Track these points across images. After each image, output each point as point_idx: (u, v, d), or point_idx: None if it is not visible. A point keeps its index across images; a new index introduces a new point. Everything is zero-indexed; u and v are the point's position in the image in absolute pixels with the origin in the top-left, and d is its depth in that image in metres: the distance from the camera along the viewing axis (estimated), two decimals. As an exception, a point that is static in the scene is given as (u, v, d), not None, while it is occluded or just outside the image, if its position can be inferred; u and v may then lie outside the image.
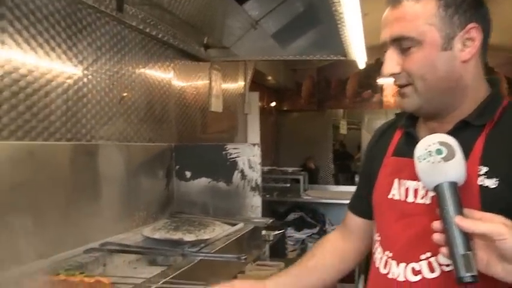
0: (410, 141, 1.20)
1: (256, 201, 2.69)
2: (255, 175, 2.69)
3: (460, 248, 0.94)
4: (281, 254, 3.42)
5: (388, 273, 1.20)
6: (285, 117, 8.34)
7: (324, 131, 8.11)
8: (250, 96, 4.42)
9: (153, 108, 2.76)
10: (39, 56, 1.89)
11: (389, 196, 1.24)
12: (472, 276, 0.92)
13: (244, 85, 4.39)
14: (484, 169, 1.08)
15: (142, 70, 2.65)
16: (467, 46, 1.13)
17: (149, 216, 2.54)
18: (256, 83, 6.32)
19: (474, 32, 1.12)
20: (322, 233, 4.32)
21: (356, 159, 9.01)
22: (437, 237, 0.98)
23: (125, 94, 2.45)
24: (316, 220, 4.46)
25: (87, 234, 2.04)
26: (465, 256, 0.93)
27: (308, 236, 4.29)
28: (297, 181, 4.56)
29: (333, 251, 1.49)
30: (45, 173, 1.88)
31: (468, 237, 0.95)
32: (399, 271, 1.17)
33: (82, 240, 2.00)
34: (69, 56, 2.06)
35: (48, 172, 1.90)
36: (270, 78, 6.77)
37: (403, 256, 1.17)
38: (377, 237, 1.29)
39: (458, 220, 0.95)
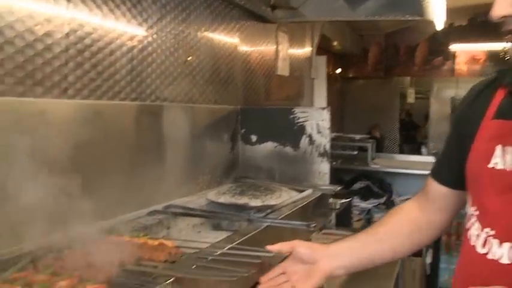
0: None
1: (324, 167, 2.58)
2: (324, 140, 2.57)
3: None
4: (346, 224, 3.31)
5: (487, 253, 1.06)
6: (350, 84, 8.11)
7: (390, 99, 7.85)
8: (317, 60, 4.27)
9: (218, 70, 2.68)
10: (104, 14, 1.83)
11: (490, 165, 1.08)
12: None
13: (311, 49, 4.23)
14: None
15: (207, 30, 2.56)
16: None
17: (213, 180, 2.48)
18: (322, 49, 6.14)
19: None
20: (390, 203, 4.16)
21: (423, 130, 8.70)
22: None
23: (189, 58, 2.37)
24: (383, 190, 4.31)
25: (151, 196, 2.00)
26: None
27: (374, 206, 4.14)
28: (364, 149, 4.40)
29: (408, 220, 1.35)
30: (110, 133, 1.84)
31: None
32: (502, 251, 1.03)
33: (146, 203, 1.97)
34: (134, 13, 2.00)
35: (113, 132, 1.86)
36: (335, 43, 6.56)
37: (509, 235, 1.03)
38: (473, 211, 1.14)
39: None
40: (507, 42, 1.03)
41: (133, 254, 1.31)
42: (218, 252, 1.37)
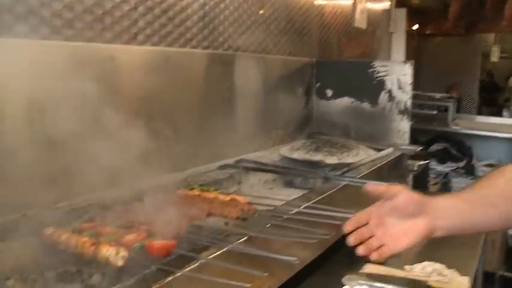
0: None
1: (404, 125, 2.41)
2: (405, 97, 2.39)
3: None
4: (423, 187, 3.13)
5: None
6: (427, 42, 7.69)
7: (470, 58, 7.39)
8: (396, 13, 4.02)
9: (293, 21, 2.52)
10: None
11: None
12: None
13: (390, 2, 3.97)
14: None
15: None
16: None
17: (286, 135, 2.38)
18: (400, 4, 5.82)
19: None
20: (469, 168, 3.92)
21: (505, 92, 8.21)
22: None
23: (261, 11, 2.24)
24: (462, 153, 4.05)
25: (221, 149, 1.93)
26: None
27: (452, 169, 3.91)
28: (444, 109, 4.14)
29: None
30: (180, 82, 1.76)
31: None
32: None
33: (216, 156, 1.89)
34: (207, -42, 1.88)
35: (183, 81, 1.78)
36: (414, -2, 6.20)
37: None
38: None
39: None
40: None
41: (203, 209, 1.23)
42: (294, 211, 1.27)
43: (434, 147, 4.07)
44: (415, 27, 7.41)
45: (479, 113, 7.18)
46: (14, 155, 1.26)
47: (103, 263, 0.96)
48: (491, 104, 8.00)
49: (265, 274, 0.88)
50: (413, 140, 3.94)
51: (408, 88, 2.40)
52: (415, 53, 7.48)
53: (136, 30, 1.62)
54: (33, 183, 1.25)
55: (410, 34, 7.19)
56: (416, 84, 7.54)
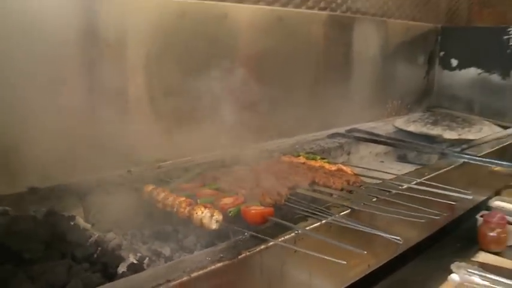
0: None
1: (538, 102, 2.18)
2: (545, 68, 2.16)
3: None
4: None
5: None
6: None
7: None
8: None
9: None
10: None
11: None
12: None
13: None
14: None
15: None
16: None
17: (403, 107, 2.27)
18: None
19: None
20: None
21: None
22: None
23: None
24: None
25: (334, 117, 1.87)
26: None
27: None
28: None
29: None
30: (294, 44, 1.71)
31: None
32: None
33: (328, 124, 1.84)
34: None
35: (297, 43, 1.73)
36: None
37: None
38: None
39: None
40: None
41: (307, 178, 1.18)
42: (404, 187, 1.18)
43: None
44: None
45: None
46: (128, 109, 1.29)
47: (198, 225, 0.95)
48: None
49: (365, 252, 0.82)
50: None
51: (550, 58, 2.15)
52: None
53: (251, -12, 1.58)
54: (140, 142, 1.27)
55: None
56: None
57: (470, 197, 1.10)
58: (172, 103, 1.34)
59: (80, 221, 1.05)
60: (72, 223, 1.03)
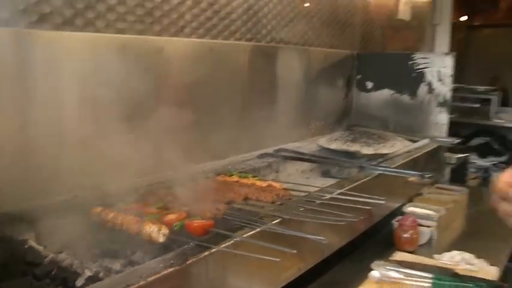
0: None
1: (442, 118, 2.43)
2: (444, 89, 2.42)
3: None
4: (461, 180, 3.12)
5: None
6: (476, 33, 7.53)
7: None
8: (441, 4, 3.98)
9: (336, 13, 2.57)
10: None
11: None
12: None
13: (434, -7, 3.94)
14: None
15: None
16: None
17: (325, 127, 2.44)
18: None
19: None
20: (512, 162, 3.88)
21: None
22: None
23: (306, 4, 2.29)
24: (504, 147, 4.00)
25: (261, 139, 2.01)
26: None
27: (493, 164, 3.87)
28: (488, 102, 4.08)
29: None
30: (224, 73, 1.85)
31: None
32: None
33: (256, 145, 1.97)
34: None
35: (226, 72, 1.86)
36: (464, -12, 6.09)
37: None
38: None
39: None
40: None
41: (241, 194, 1.32)
42: (327, 197, 1.34)
43: (476, 141, 4.04)
44: (463, 18, 7.28)
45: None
46: (66, 143, 1.37)
47: (146, 240, 1.06)
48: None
49: (294, 251, 0.96)
50: (455, 134, 3.92)
51: (448, 80, 2.42)
52: (461, 45, 7.35)
53: (184, 23, 1.71)
54: (83, 168, 1.35)
55: (457, 26, 7.06)
56: (462, 76, 7.46)
57: (383, 202, 1.27)
58: (112, 129, 1.43)
59: (33, 243, 1.13)
60: (26, 246, 1.11)
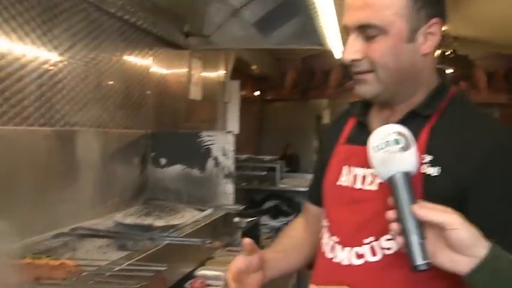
0: (363, 130, 1.24)
1: (228, 188, 2.74)
2: (228, 162, 2.74)
3: (416, 237, 0.95)
4: (255, 242, 3.43)
5: (333, 258, 1.22)
6: (269, 106, 8.38)
7: (307, 120, 8.15)
8: (230, 85, 4.44)
9: (130, 95, 2.78)
10: (13, 41, 1.89)
11: (339, 183, 1.25)
12: (428, 263, 0.94)
13: (225, 73, 4.39)
14: (428, 158, 1.11)
15: (120, 57, 2.67)
16: (428, 40, 1.15)
17: (122, 203, 2.56)
18: (241, 72, 6.29)
19: (436, 27, 1.15)
20: (299, 221, 4.33)
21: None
22: (394, 226, 0.98)
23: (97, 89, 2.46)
24: (292, 208, 4.50)
25: (58, 219, 2.05)
26: (421, 244, 0.95)
27: (283, 224, 4.29)
28: (274, 169, 4.60)
29: (302, 236, 1.48)
30: (18, 158, 1.89)
31: (422, 226, 0.96)
32: (344, 255, 1.19)
33: (53, 225, 2.02)
34: (44, 41, 2.06)
35: (20, 156, 1.91)
36: (254, 67, 6.78)
37: (349, 240, 1.19)
38: (325, 223, 1.30)
39: (416, 208, 0.96)
40: (355, 81, 1.21)
41: (32, 274, 1.39)
42: (116, 268, 1.48)
43: (268, 204, 4.49)
44: (257, 93, 8.05)
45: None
46: None
47: None
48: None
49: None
50: (250, 199, 4.32)
51: (231, 155, 2.75)
52: (257, 117, 8.09)
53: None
54: None
55: (252, 100, 7.79)
56: (259, 145, 8.11)
57: (164, 268, 1.46)
58: None
59: None
60: None
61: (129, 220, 2.16)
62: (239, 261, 1.25)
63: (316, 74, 8.21)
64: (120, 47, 2.68)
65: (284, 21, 3.42)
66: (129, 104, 2.76)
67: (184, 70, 3.47)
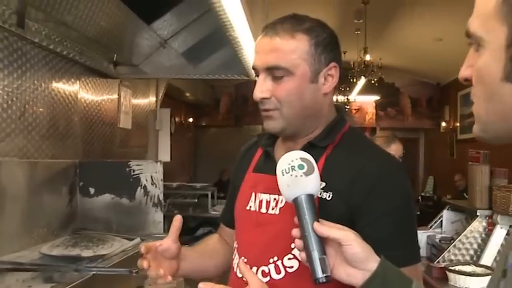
0: (268, 159, 1.38)
1: (158, 216, 2.75)
2: (157, 191, 2.76)
3: (317, 252, 1.05)
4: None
5: (243, 276, 1.29)
6: (203, 132, 8.44)
7: (241, 146, 8.25)
8: (161, 113, 4.47)
9: (56, 124, 2.75)
10: None
11: (247, 208, 1.38)
12: (327, 276, 1.05)
13: (156, 101, 4.43)
14: (323, 184, 1.23)
15: (45, 86, 2.64)
16: (328, 81, 1.31)
17: (50, 233, 2.52)
18: (174, 99, 6.34)
19: (334, 70, 1.31)
20: (231, 247, 4.35)
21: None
22: (298, 243, 1.09)
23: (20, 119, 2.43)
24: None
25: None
26: (321, 259, 1.05)
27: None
28: (206, 196, 4.62)
29: (221, 246, 1.60)
30: None
31: (323, 243, 1.06)
32: None
33: (-29, 260, 1.97)
34: (-36, 72, 2.04)
35: None
36: (188, 94, 6.84)
37: (256, 260, 1.31)
38: (235, 244, 1.42)
39: (316, 226, 1.06)
40: (263, 117, 1.32)
41: None
42: (38, 303, 1.46)
43: (201, 231, 4.50)
44: (191, 119, 8.09)
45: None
46: None
47: None
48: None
49: None
50: (182, 227, 4.29)
51: (160, 183, 2.77)
52: (191, 143, 8.12)
53: None
54: None
55: (186, 126, 7.83)
56: (194, 171, 8.13)
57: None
58: None
59: None
60: None
61: (56, 251, 2.13)
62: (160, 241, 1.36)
63: (249, 100, 8.35)
64: (46, 76, 2.66)
65: (211, 52, 3.49)
66: (56, 133, 2.74)
67: (113, 97, 3.48)
